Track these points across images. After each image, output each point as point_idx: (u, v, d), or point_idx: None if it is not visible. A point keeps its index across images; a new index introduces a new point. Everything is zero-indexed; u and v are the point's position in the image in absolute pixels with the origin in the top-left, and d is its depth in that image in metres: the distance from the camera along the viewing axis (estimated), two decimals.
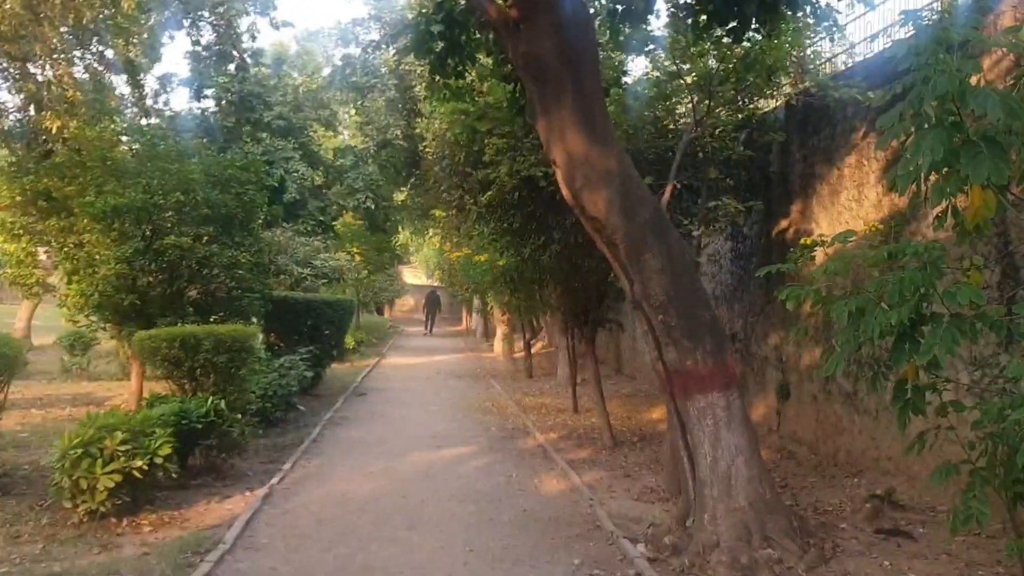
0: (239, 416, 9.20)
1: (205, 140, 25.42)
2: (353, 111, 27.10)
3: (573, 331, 15.00)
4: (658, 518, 7.69)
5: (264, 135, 24.23)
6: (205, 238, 12.31)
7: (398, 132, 23.98)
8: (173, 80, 25.88)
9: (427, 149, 17.38)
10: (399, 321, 50.54)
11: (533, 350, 26.47)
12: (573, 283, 11.72)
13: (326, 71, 28.59)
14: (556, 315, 15.23)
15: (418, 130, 27.80)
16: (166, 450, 7.35)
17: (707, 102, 9.65)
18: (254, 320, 13.81)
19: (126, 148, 13.68)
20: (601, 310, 12.09)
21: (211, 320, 12.11)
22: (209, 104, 26.21)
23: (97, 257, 11.78)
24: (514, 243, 11.95)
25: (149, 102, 19.67)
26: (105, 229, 11.75)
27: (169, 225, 12.08)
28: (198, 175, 12.46)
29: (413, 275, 58.47)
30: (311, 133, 26.28)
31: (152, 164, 12.20)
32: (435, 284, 49.63)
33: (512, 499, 8.53)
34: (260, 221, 13.90)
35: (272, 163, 24.22)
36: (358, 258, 30.70)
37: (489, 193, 9.78)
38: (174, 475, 7.69)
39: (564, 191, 6.98)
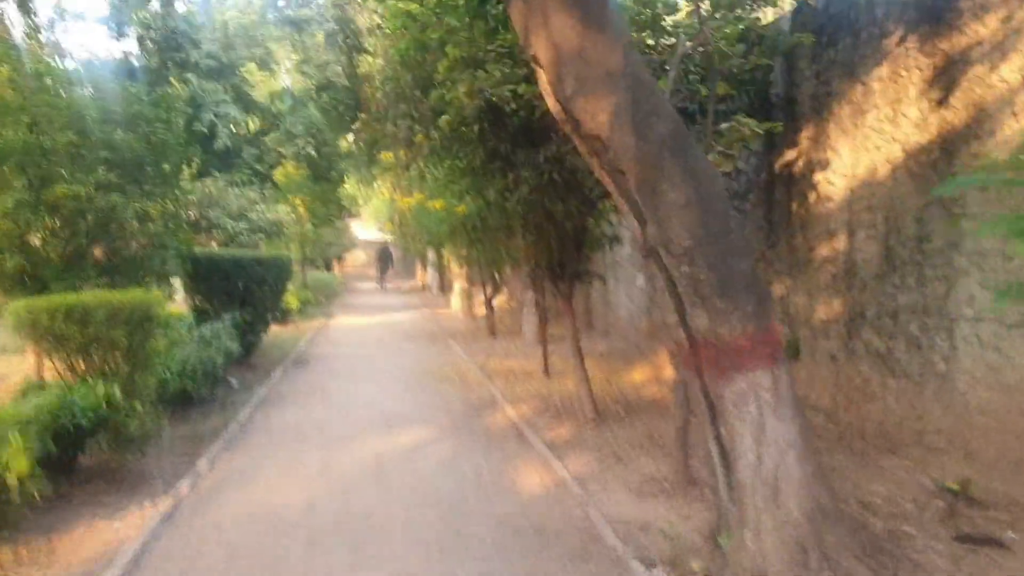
0: (138, 405, 7.29)
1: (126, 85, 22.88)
2: (290, 49, 24.70)
3: (542, 286, 13.32)
4: (673, 526, 6.03)
5: (191, 77, 21.81)
6: (106, 187, 10.22)
7: (339, 69, 21.71)
8: (87, 17, 23.14)
9: (371, 89, 15.38)
10: (350, 277, 48.40)
11: (495, 306, 24.80)
12: (546, 231, 9.92)
13: (258, 3, 26.02)
14: (524, 268, 13.42)
15: (361, 69, 25.59)
16: (21, 465, 5.46)
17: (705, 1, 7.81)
18: (173, 282, 11.81)
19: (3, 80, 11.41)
20: (580, 262, 10.32)
21: (118, 285, 10.12)
22: (131, 45, 23.57)
23: None
24: (475, 185, 10.10)
25: (45, 35, 17.13)
26: None
27: (61, 172, 9.97)
28: (94, 111, 10.33)
29: (363, 229, 56.09)
30: (244, 74, 23.91)
31: (37, 97, 10.01)
32: (386, 238, 47.59)
33: (484, 502, 6.80)
34: (176, 167, 11.79)
35: (201, 107, 21.86)
36: (301, 210, 28.52)
37: (445, 117, 7.88)
38: (38, 494, 5.79)
39: (550, 101, 5.13)
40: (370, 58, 22.46)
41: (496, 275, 19.38)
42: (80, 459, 7.02)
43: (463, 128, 8.78)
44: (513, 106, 7.62)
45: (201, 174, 21.83)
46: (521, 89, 7.58)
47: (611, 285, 17.02)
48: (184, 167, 13.04)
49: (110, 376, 7.64)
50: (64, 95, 10.04)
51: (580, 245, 10.28)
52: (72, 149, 9.94)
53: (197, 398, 10.46)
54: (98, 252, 10.50)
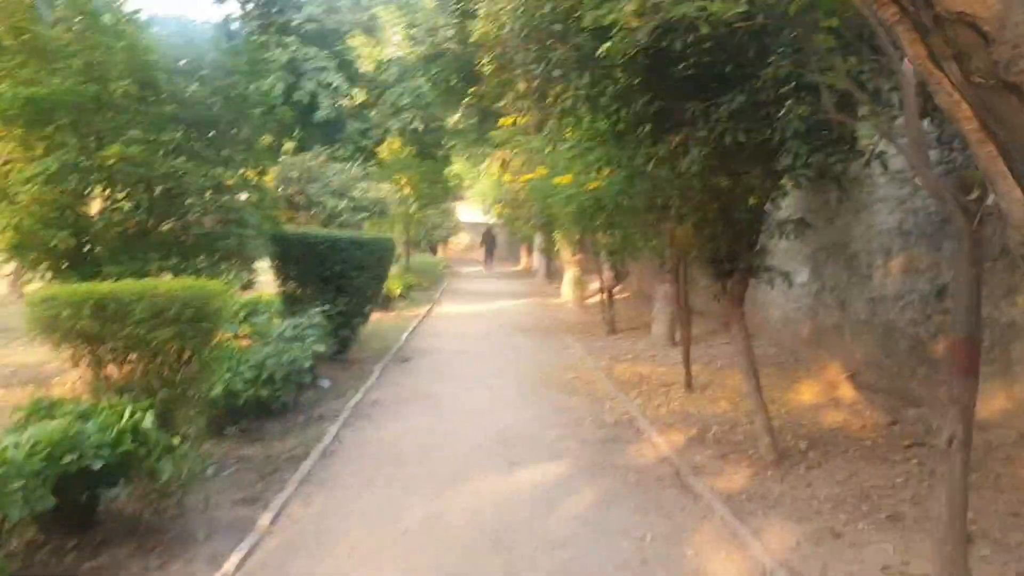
0: (177, 440, 5.38)
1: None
2: (397, 13, 22.93)
3: (684, 279, 11.07)
4: None
5: (291, 41, 20.30)
6: (173, 150, 8.47)
7: (450, 33, 19.79)
8: None
9: (490, 47, 13.35)
10: (454, 261, 46.84)
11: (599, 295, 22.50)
12: (712, 212, 7.63)
13: None
14: (666, 258, 11.13)
15: (474, 37, 23.59)
16: None
17: None
18: (256, 266, 10.05)
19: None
20: (755, 253, 7.97)
21: (187, 269, 8.40)
22: (231, 9, 22.26)
23: (13, 176, 8.04)
24: (619, 152, 7.89)
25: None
26: (24, 134, 7.99)
27: (118, 129, 8.25)
28: (159, 56, 8.57)
29: (468, 211, 54.45)
30: (349, 41, 22.34)
31: (93, 38, 8.29)
32: (491, 221, 45.80)
33: None
34: (260, 130, 10.02)
35: (302, 75, 20.31)
36: (406, 190, 26.87)
37: (608, 45, 5.66)
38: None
39: None
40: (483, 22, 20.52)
41: (621, 264, 17.08)
42: (100, 510, 5.17)
43: (618, 75, 6.60)
44: (704, 31, 5.35)
45: (302, 147, 20.29)
46: (714, 6, 5.30)
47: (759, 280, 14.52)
48: (271, 133, 11.28)
49: (152, 391, 5.81)
50: (125, 38, 8.27)
51: (756, 232, 7.94)
52: (130, 102, 8.20)
53: (278, 407, 8.64)
54: (164, 228, 8.78)
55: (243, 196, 10.20)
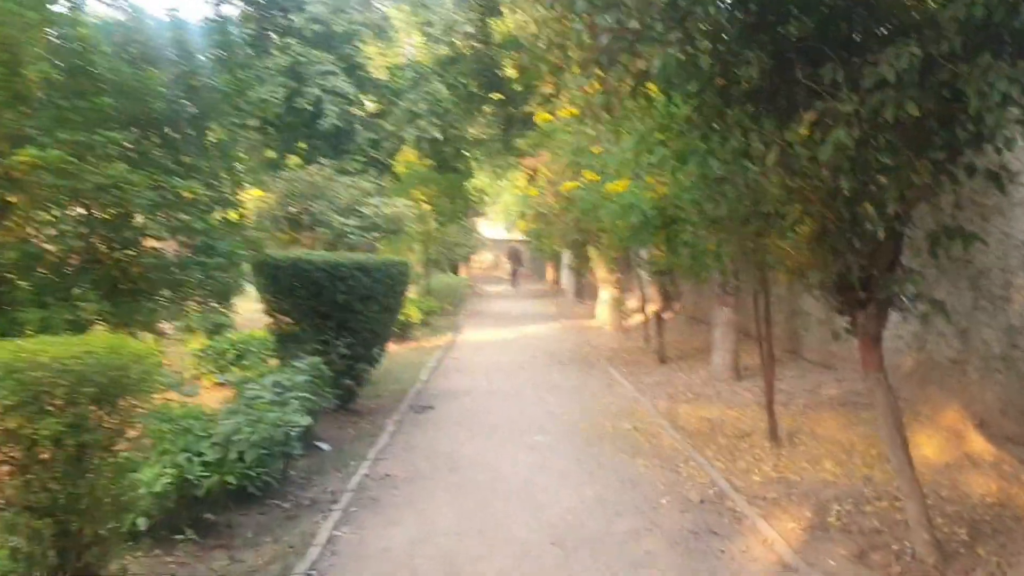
0: None
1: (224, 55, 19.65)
2: (410, 11, 20.94)
3: (762, 303, 8.93)
4: None
5: (293, 42, 18.33)
6: (109, 155, 6.40)
7: (469, 29, 17.75)
8: None
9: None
10: (477, 279, 44.77)
11: (635, 316, 20.28)
12: (852, 218, 5.44)
13: None
14: (757, 278, 8.91)
15: (496, 37, 21.55)
16: None
17: None
18: (229, 304, 7.95)
19: None
20: (895, 279, 5.74)
21: (136, 313, 6.36)
22: (230, 10, 20.37)
23: None
24: (718, 137, 5.75)
25: None
26: None
27: (38, 127, 6.20)
28: (92, 31, 6.53)
29: (490, 228, 52.36)
30: (358, 44, 20.34)
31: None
32: (516, 237, 43.79)
33: None
34: (235, 131, 7.96)
35: (304, 79, 18.32)
36: (425, 206, 24.80)
37: None
38: None
39: None
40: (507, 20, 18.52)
41: (671, 284, 14.90)
42: None
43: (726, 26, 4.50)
44: None
45: (307, 160, 18.29)
46: None
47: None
48: (272, 148, 9.21)
49: (42, 509, 3.72)
50: (42, 8, 6.20)
51: (898, 247, 5.75)
52: (54, 93, 6.15)
53: (257, 488, 6.49)
54: (107, 259, 6.70)
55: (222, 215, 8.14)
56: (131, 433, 4.37)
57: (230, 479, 5.88)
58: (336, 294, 9.76)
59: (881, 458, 8.05)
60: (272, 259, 9.73)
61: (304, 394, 6.77)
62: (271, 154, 20.56)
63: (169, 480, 5.43)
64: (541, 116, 10.40)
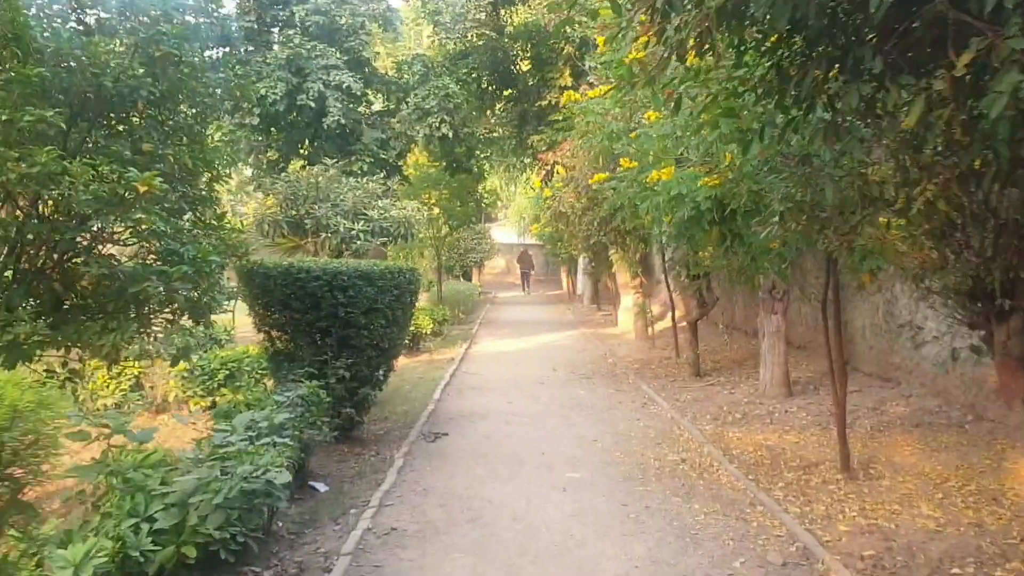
0: None
1: (223, 51, 18.43)
2: (418, 1, 19.69)
3: (833, 312, 7.61)
4: None
5: (293, 33, 17.06)
6: (26, 138, 5.12)
7: (481, 17, 16.46)
8: None
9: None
10: (490, 285, 43.48)
11: (658, 323, 18.92)
12: (984, 203, 4.11)
13: None
14: (831, 284, 7.56)
15: (509, 27, 20.27)
16: None
17: None
18: (207, 321, 6.63)
19: None
20: None
21: (86, 334, 5.08)
22: (227, 5, 19.07)
23: None
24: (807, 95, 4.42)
25: None
26: None
27: None
28: None
29: (503, 233, 50.99)
30: (364, 38, 19.08)
31: None
32: (528, 242, 42.56)
33: None
34: (206, 109, 6.67)
35: (307, 75, 17.06)
36: (435, 210, 23.54)
37: None
38: None
39: None
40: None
41: (707, 289, 13.55)
42: None
43: None
44: None
45: (310, 160, 17.04)
46: None
47: (895, 300, 10.93)
48: (275, 148, 7.92)
49: None
50: None
51: None
52: None
53: (232, 553, 5.16)
54: (48, 269, 5.41)
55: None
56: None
57: (189, 550, 4.56)
58: (336, 307, 8.46)
59: (986, 497, 6.70)
60: (262, 267, 8.45)
61: (284, 440, 5.42)
62: (273, 155, 19.35)
63: (104, 558, 4.13)
64: (568, 96, 9.01)
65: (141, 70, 5.99)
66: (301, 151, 18.05)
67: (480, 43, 20.50)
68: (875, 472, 7.59)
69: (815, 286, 12.79)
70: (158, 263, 5.72)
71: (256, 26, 17.97)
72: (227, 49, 19.33)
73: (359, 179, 16.46)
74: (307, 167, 16.23)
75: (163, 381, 10.48)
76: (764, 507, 6.67)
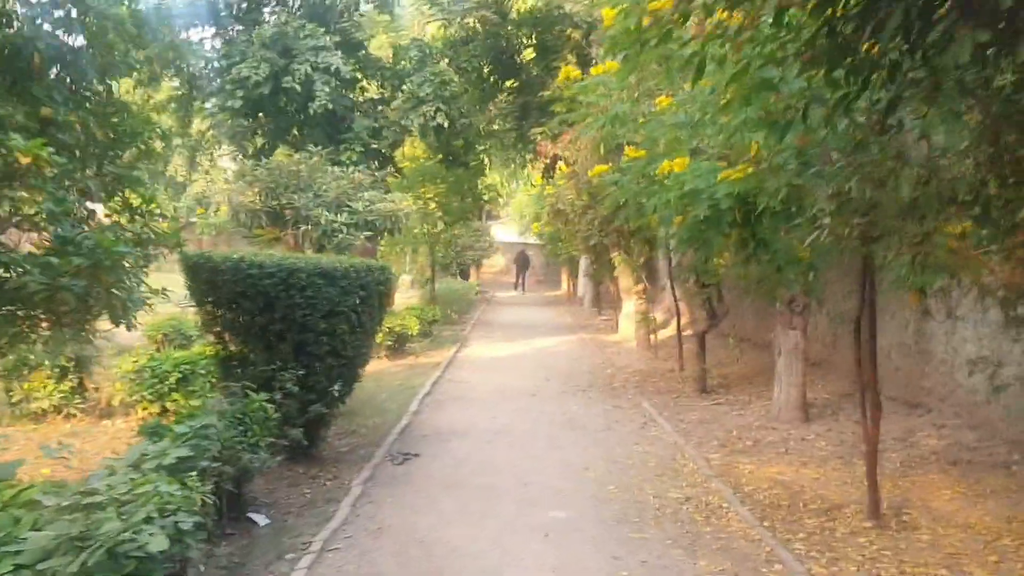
0: None
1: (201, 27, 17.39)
2: None
3: (865, 330, 6.53)
4: None
5: (281, 10, 15.93)
6: None
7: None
8: None
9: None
10: (488, 285, 42.35)
11: (661, 331, 17.79)
12: None
13: None
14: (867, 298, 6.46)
15: (514, 12, 19.15)
16: None
17: None
18: (128, 324, 5.54)
19: None
20: None
21: None
22: None
23: None
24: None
25: None
26: None
27: None
28: None
29: (504, 231, 49.85)
30: (357, 18, 17.93)
31: None
32: (529, 241, 41.53)
33: None
34: (127, 64, 5.56)
35: (293, 56, 15.96)
36: (431, 205, 22.46)
37: None
38: None
39: None
40: None
41: (718, 299, 12.46)
42: None
43: None
44: None
45: (296, 148, 15.95)
46: None
47: (926, 318, 9.85)
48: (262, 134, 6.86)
49: None
50: None
51: None
52: None
53: None
54: None
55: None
56: None
57: None
58: (292, 308, 7.35)
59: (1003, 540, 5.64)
60: (208, 260, 7.35)
61: (171, 489, 4.24)
62: (259, 142, 18.25)
63: None
64: (566, 72, 7.85)
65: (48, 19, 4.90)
66: (288, 138, 16.96)
67: (481, 29, 19.39)
68: (910, 520, 6.51)
69: (838, 302, 11.73)
70: (48, 254, 4.62)
71: (246, 4, 16.87)
72: (214, 30, 18.33)
73: (346, 169, 15.36)
74: (291, 154, 15.13)
75: (108, 384, 9.40)
76: (784, 565, 5.56)
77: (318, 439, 7.96)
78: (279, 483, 7.21)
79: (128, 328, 5.85)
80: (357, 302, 7.74)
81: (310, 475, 7.56)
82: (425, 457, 8.40)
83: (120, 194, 5.95)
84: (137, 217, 5.93)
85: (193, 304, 7.72)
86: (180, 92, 18.05)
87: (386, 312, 8.86)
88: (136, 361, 9.32)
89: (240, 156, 18.05)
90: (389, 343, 15.29)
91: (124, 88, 6.30)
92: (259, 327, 7.38)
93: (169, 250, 6.16)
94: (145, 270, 5.79)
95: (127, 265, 5.16)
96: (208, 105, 17.65)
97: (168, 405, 9.15)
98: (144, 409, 9.21)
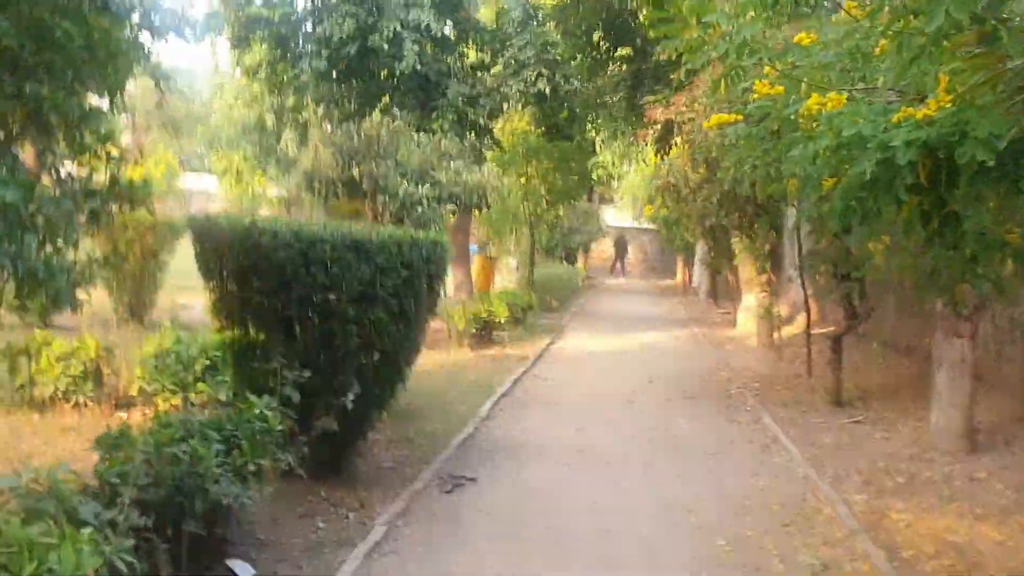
0: None
1: None
2: None
3: None
4: None
5: None
6: None
7: None
8: None
9: None
10: (596, 271, 40.41)
11: (785, 328, 15.42)
12: None
13: None
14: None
15: None
16: None
17: None
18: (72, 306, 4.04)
19: None
20: None
21: None
22: None
23: None
24: None
25: None
26: None
27: None
28: None
29: (617, 215, 47.61)
30: None
31: None
32: (643, 227, 39.37)
33: None
34: None
35: (380, 11, 14.49)
36: (534, 180, 20.77)
37: None
38: None
39: None
40: None
41: (861, 296, 10.25)
42: None
43: None
44: None
45: (382, 111, 14.50)
46: None
47: None
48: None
49: None
50: None
51: None
52: None
53: None
54: None
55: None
56: None
57: None
58: (313, 289, 5.73)
59: None
60: (213, 226, 5.84)
61: None
62: (347, 109, 16.89)
63: None
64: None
65: None
66: (380, 105, 15.53)
67: None
68: None
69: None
70: None
71: None
72: None
73: (432, 136, 13.80)
74: (369, 119, 13.68)
75: (126, 368, 8.09)
76: None
77: (347, 455, 6.33)
78: (288, 513, 5.62)
79: (72, 309, 4.38)
80: (398, 284, 6.05)
81: (333, 500, 5.95)
82: (483, 483, 6.64)
83: (73, 133, 4.45)
84: (90, 159, 4.43)
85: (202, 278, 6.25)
86: (269, 56, 16.90)
87: (438, 298, 7.13)
88: (159, 343, 7.97)
89: (328, 124, 16.76)
90: (474, 331, 13.66)
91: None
92: (273, 311, 5.81)
93: (131, 207, 4.63)
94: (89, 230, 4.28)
95: (37, 220, 3.63)
96: (295, 70, 16.46)
97: (193, 396, 7.75)
98: (165, 401, 7.84)
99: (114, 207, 4.53)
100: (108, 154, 4.57)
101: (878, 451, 8.27)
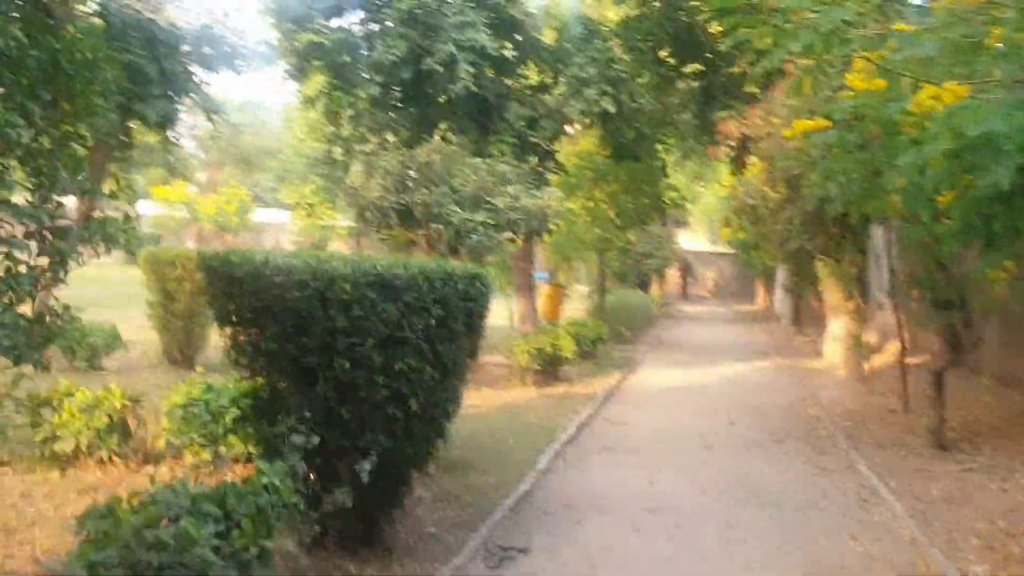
0: None
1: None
2: None
3: None
4: None
5: None
6: None
7: None
8: None
9: None
10: (672, 298, 39.13)
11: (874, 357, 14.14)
12: None
13: None
14: None
15: None
16: None
17: None
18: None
19: None
20: None
21: None
22: None
23: None
24: None
25: None
26: None
27: None
28: None
29: (692, 239, 46.30)
30: None
31: None
32: (721, 251, 38.10)
33: None
34: None
35: (436, 32, 13.90)
36: (602, 205, 19.93)
37: None
38: None
39: None
40: None
41: (966, 324, 9.06)
42: None
43: None
44: None
45: (441, 137, 13.89)
46: None
47: None
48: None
49: None
50: None
51: None
52: None
53: None
54: None
55: None
56: None
57: None
58: (332, 333, 4.97)
59: None
60: (224, 263, 5.16)
61: None
62: (404, 134, 16.38)
63: None
64: None
65: None
66: (437, 131, 14.96)
67: (658, 3, 16.62)
68: None
69: None
70: None
71: None
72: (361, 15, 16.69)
73: (488, 161, 13.11)
74: (424, 145, 13.07)
75: (152, 420, 7.49)
76: None
77: (378, 523, 5.52)
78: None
79: (36, 367, 3.70)
80: (431, 324, 5.24)
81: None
82: (536, 555, 5.73)
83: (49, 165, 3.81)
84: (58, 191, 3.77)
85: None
86: (325, 85, 16.55)
87: (480, 339, 6.30)
88: (188, 392, 7.33)
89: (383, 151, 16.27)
90: (537, 367, 12.79)
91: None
92: (289, 358, 5.07)
93: (106, 248, 3.96)
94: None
95: None
96: (349, 97, 16.04)
97: (223, 450, 7.08)
98: (194, 455, 7.18)
99: (86, 249, 3.85)
100: (82, 188, 3.91)
101: (996, 507, 7.09)
